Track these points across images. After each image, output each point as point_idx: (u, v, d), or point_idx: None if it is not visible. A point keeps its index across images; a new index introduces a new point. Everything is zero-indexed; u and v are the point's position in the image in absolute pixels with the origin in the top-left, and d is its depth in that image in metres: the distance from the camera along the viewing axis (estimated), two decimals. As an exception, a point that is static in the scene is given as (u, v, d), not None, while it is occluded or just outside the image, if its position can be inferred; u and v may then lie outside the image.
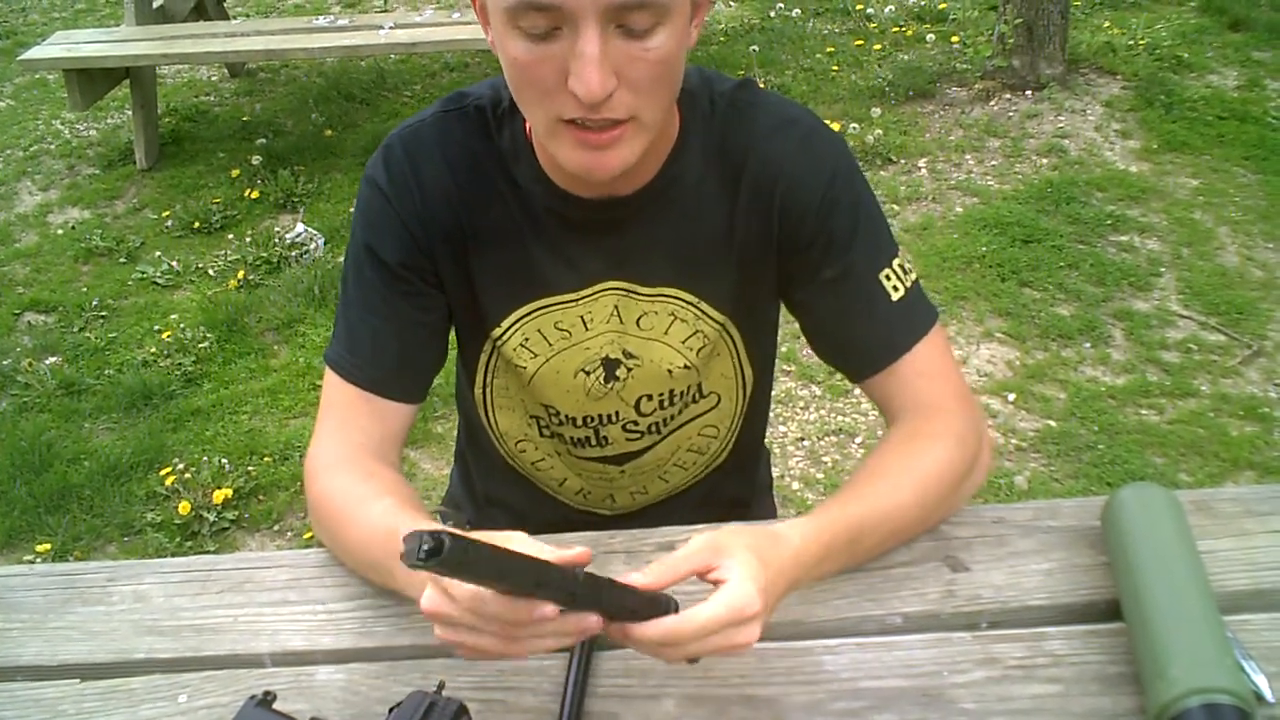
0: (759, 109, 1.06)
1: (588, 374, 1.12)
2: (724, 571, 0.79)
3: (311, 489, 1.05)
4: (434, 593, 0.75)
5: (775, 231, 1.06)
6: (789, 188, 1.04)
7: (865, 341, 1.07)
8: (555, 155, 0.94)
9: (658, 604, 0.80)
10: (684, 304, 1.09)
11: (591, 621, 0.75)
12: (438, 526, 0.66)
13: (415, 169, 1.05)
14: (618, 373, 1.12)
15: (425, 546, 0.62)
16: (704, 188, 1.05)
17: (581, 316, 1.09)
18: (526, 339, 1.10)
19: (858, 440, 2.76)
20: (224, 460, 2.80)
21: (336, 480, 1.02)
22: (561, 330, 1.10)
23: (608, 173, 0.92)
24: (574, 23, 0.83)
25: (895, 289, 1.05)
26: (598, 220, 1.05)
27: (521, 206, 1.06)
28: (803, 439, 2.77)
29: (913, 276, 1.08)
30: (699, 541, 0.82)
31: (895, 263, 1.06)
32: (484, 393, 1.20)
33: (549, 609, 0.72)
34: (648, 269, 1.07)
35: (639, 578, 0.79)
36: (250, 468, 2.79)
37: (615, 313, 1.09)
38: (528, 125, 1.03)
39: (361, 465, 1.03)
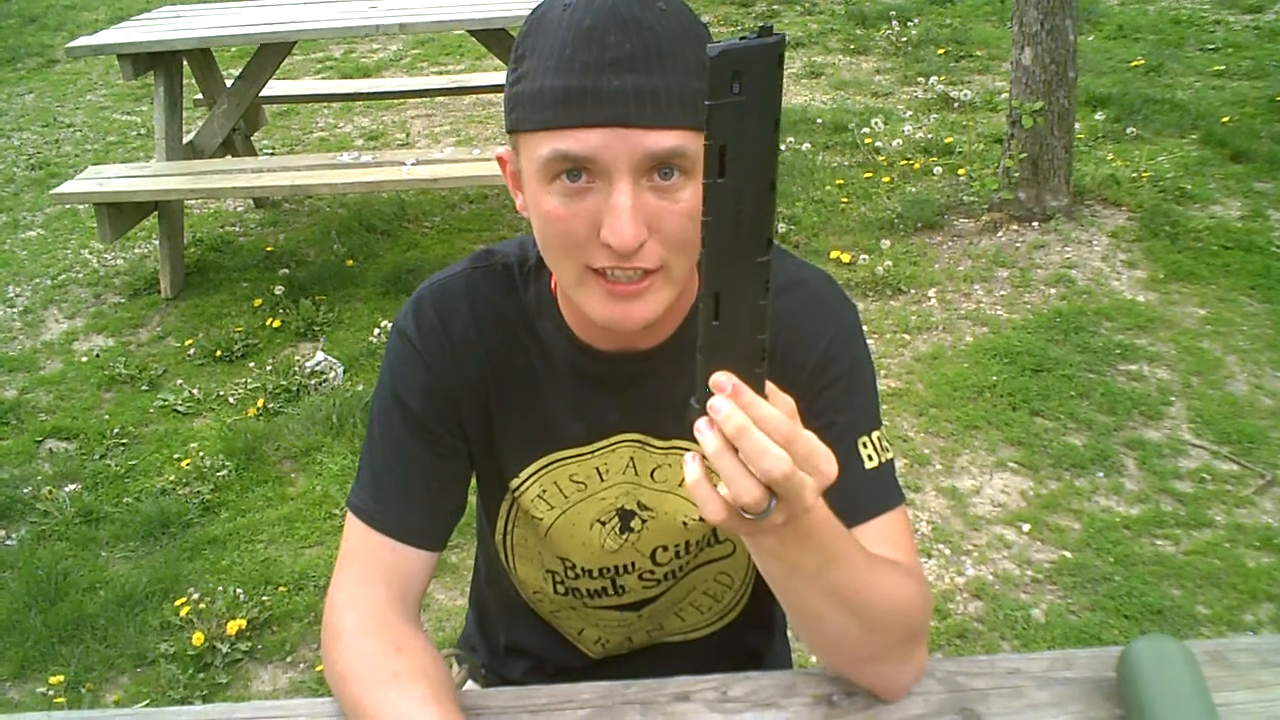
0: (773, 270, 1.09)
1: (603, 524, 1.14)
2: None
3: (332, 650, 1.04)
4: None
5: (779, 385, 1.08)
6: (789, 346, 1.06)
7: (833, 500, 1.07)
8: (583, 306, 0.96)
9: None
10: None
11: None
12: None
13: (444, 322, 1.09)
14: (633, 524, 1.14)
15: None
16: None
17: (597, 468, 1.12)
18: (544, 491, 1.13)
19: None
20: (239, 590, 2.80)
21: (363, 646, 1.02)
22: (577, 482, 1.12)
23: (635, 324, 0.95)
24: (608, 176, 0.88)
25: (870, 458, 1.06)
26: (617, 374, 1.08)
27: (543, 360, 1.09)
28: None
29: (889, 455, 1.08)
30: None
31: (875, 435, 1.07)
32: (505, 539, 1.22)
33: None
34: (663, 422, 1.10)
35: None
36: (265, 598, 2.79)
37: (631, 464, 1.11)
38: (553, 281, 1.07)
39: (390, 633, 1.03)
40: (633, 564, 1.18)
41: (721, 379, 0.73)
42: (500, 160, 1.00)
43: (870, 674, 1.02)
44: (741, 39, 0.65)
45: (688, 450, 1.10)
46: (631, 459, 1.11)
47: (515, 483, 1.14)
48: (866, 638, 0.98)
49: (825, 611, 0.94)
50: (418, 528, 1.10)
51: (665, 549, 1.17)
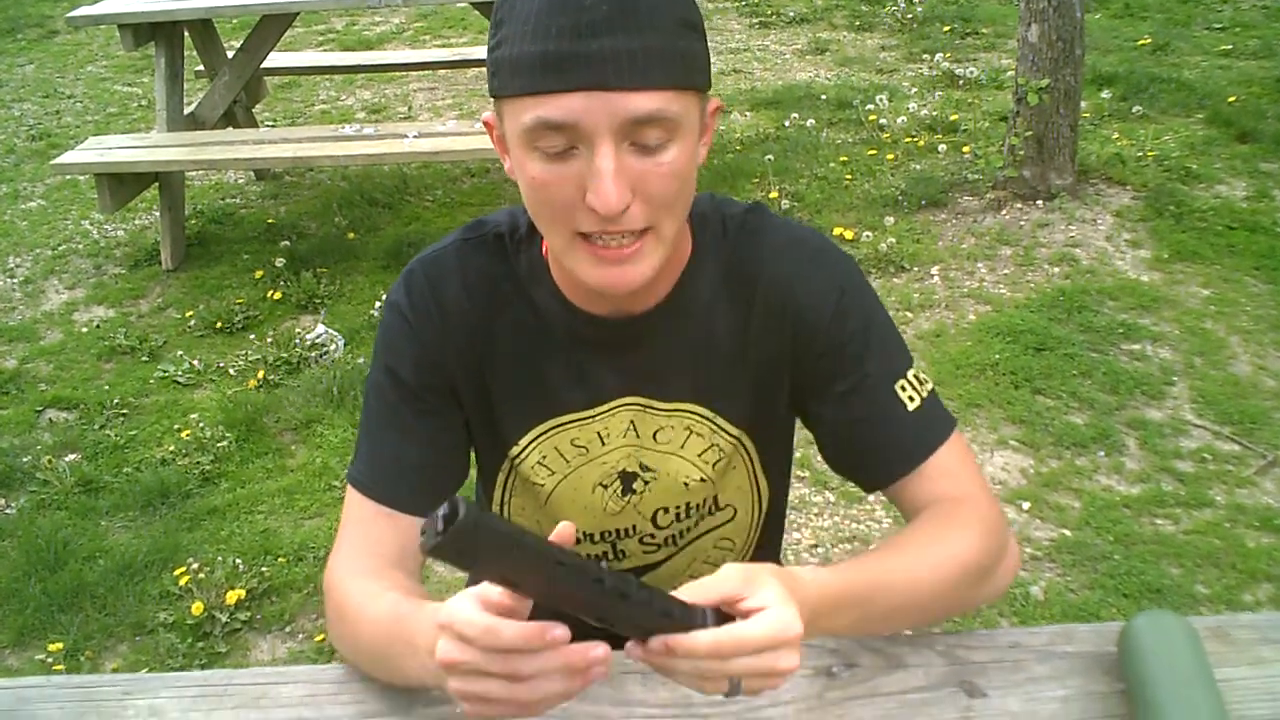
0: (768, 231, 1.10)
1: (605, 488, 1.14)
2: (759, 600, 0.79)
3: (330, 599, 1.06)
4: (447, 640, 0.75)
5: (789, 348, 1.09)
6: (800, 306, 1.07)
7: (882, 452, 1.09)
8: (574, 271, 0.97)
9: (692, 614, 0.77)
10: (700, 418, 1.11)
11: (600, 653, 0.73)
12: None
13: (436, 294, 1.09)
14: (635, 486, 1.14)
15: (442, 513, 0.63)
16: (717, 306, 1.09)
17: (598, 432, 1.11)
18: (544, 457, 1.13)
19: (872, 548, 2.75)
20: (238, 560, 2.80)
21: (352, 585, 1.04)
22: (579, 447, 1.12)
23: (627, 287, 0.95)
24: (590, 141, 0.87)
25: (911, 399, 1.08)
26: (613, 338, 1.08)
27: (538, 326, 1.09)
28: (816, 545, 2.76)
29: (929, 387, 1.10)
30: (730, 569, 0.81)
31: (910, 374, 1.09)
32: (503, 510, 1.22)
33: (560, 630, 0.71)
34: (664, 385, 1.10)
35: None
36: (264, 568, 2.79)
37: (632, 427, 1.11)
38: (545, 247, 1.07)
39: (376, 570, 1.05)
40: (634, 527, 1.18)
41: (655, 645, 0.76)
42: (487, 124, 1.00)
43: (966, 607, 1.07)
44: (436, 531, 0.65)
45: (691, 412, 1.10)
46: (632, 422, 1.11)
47: (515, 451, 1.13)
48: (942, 606, 1.04)
49: (889, 624, 1.01)
50: (415, 497, 1.10)
51: (666, 511, 1.17)
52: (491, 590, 0.74)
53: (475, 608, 0.74)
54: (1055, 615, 2.48)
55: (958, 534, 1.03)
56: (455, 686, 0.76)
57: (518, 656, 0.73)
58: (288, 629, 2.64)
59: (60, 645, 2.60)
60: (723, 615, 0.79)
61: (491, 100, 0.96)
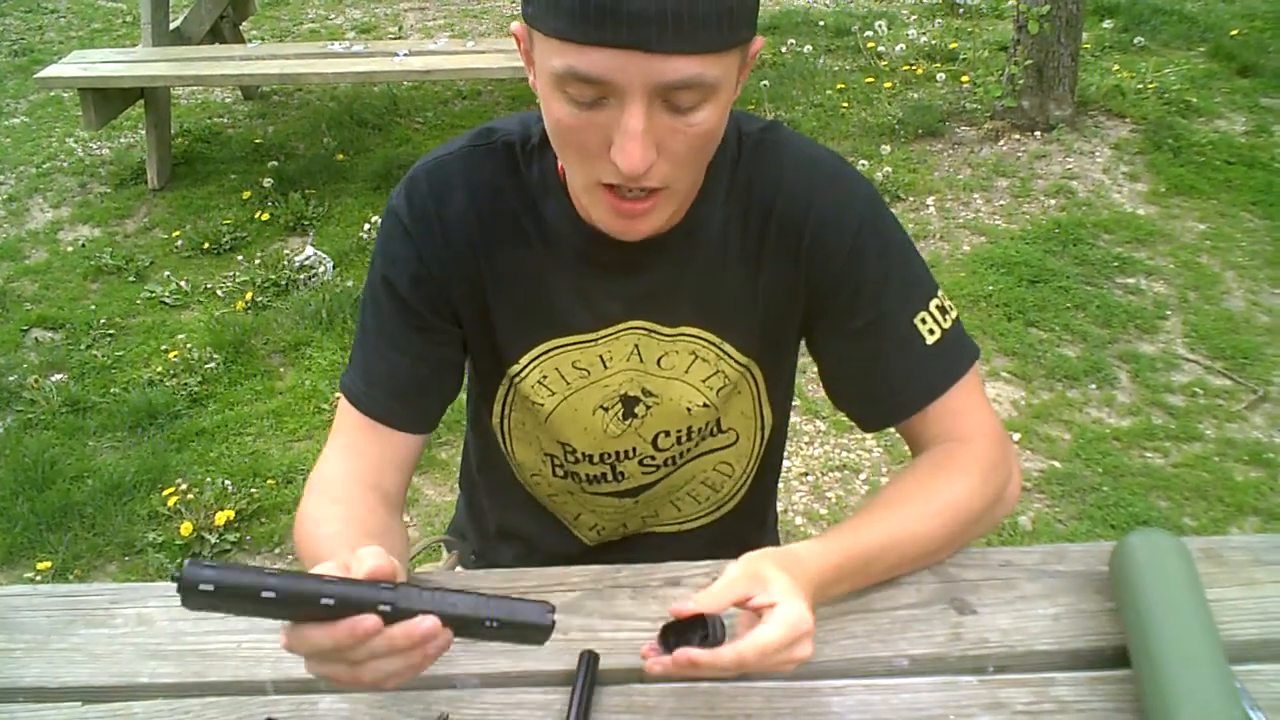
0: (785, 149, 1.05)
1: (606, 410, 1.12)
2: (770, 595, 0.82)
3: (299, 505, 1.05)
4: (283, 632, 0.76)
5: (803, 273, 1.05)
6: (817, 229, 1.03)
7: (891, 392, 1.06)
8: (590, 210, 0.95)
9: (522, 607, 0.77)
10: (706, 344, 1.08)
11: (425, 628, 0.74)
12: (212, 563, 0.69)
13: (438, 203, 1.04)
14: (636, 410, 1.12)
15: (172, 575, 0.66)
16: (730, 229, 1.05)
17: (601, 355, 1.09)
18: (545, 377, 1.10)
19: (862, 476, 2.75)
20: (227, 482, 2.80)
21: (311, 500, 1.03)
22: (580, 369, 1.10)
23: (638, 236, 0.95)
24: (621, 97, 0.83)
25: (931, 332, 1.04)
26: (624, 261, 1.04)
27: (545, 244, 1.05)
28: (807, 474, 2.77)
29: (952, 315, 1.06)
30: (736, 570, 0.85)
31: (933, 304, 1.05)
32: (502, 423, 1.20)
33: (370, 622, 0.73)
34: (670, 310, 1.07)
35: (692, 606, 0.82)
36: (253, 490, 2.79)
37: (635, 351, 1.09)
38: (560, 163, 1.02)
39: (339, 489, 1.03)
40: (634, 449, 1.16)
41: (680, 658, 0.80)
42: (515, 35, 0.93)
43: (966, 545, 1.06)
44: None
45: (697, 337, 1.07)
46: (636, 346, 1.08)
47: (514, 369, 1.11)
48: (941, 553, 1.03)
49: (890, 577, 1.02)
50: (406, 411, 1.08)
51: (668, 434, 1.15)
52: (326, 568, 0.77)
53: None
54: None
55: (956, 481, 1.01)
56: (308, 668, 0.78)
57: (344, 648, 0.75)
58: (277, 550, 2.65)
59: (49, 564, 2.60)
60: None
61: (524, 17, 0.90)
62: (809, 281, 1.05)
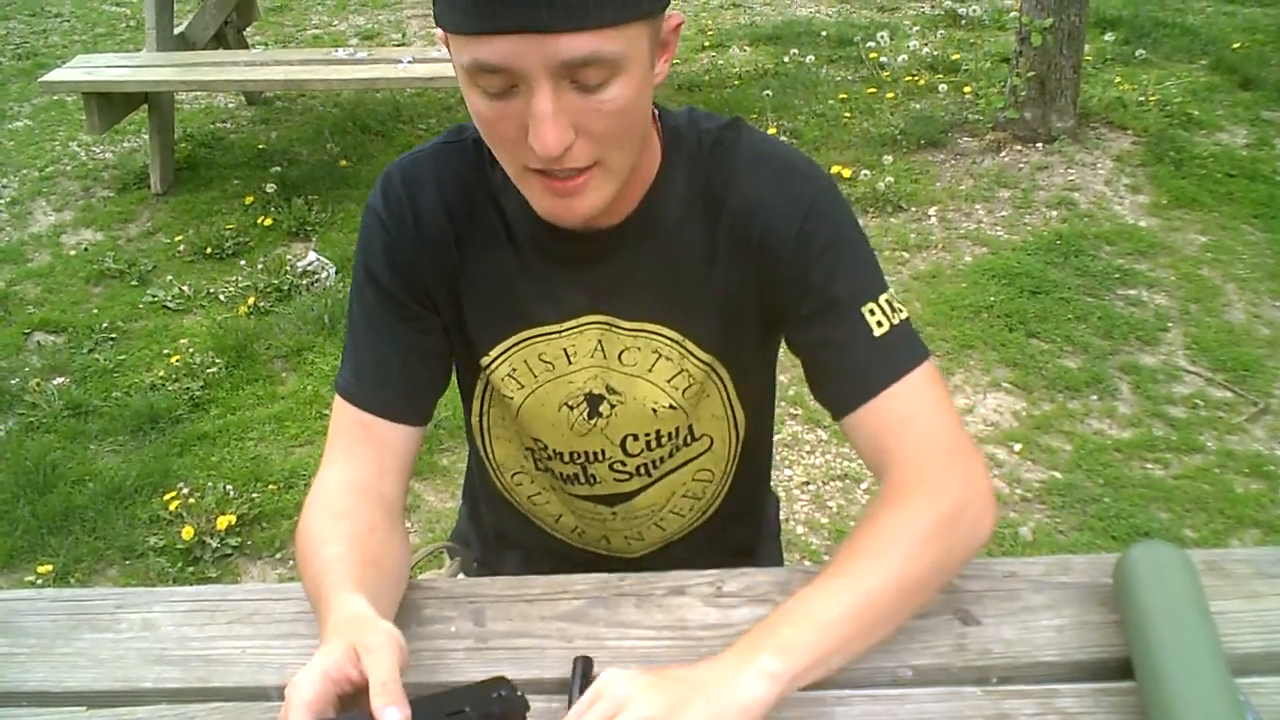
0: (740, 146, 1.06)
1: (571, 408, 1.13)
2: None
3: (299, 521, 1.05)
4: (285, 705, 0.78)
5: (754, 273, 1.06)
6: (765, 223, 1.03)
7: (843, 376, 1.04)
8: (528, 198, 0.97)
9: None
10: (669, 342, 1.09)
11: None
12: None
13: (412, 198, 1.07)
14: (601, 409, 1.13)
15: None
16: (686, 224, 1.06)
17: (565, 349, 1.10)
18: (514, 369, 1.12)
19: (863, 486, 2.76)
20: (228, 486, 2.80)
21: (311, 516, 1.03)
22: (546, 362, 1.11)
23: (576, 218, 0.95)
24: (527, 82, 0.85)
25: (879, 324, 1.02)
26: (579, 253, 1.06)
27: (509, 237, 1.08)
28: (808, 483, 2.77)
29: (902, 315, 1.04)
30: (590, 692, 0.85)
31: (882, 298, 1.03)
32: (480, 421, 1.21)
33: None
34: (628, 303, 1.08)
35: None
36: (254, 494, 2.79)
37: (599, 347, 1.10)
38: None
39: (340, 502, 1.03)
40: (603, 451, 1.16)
41: None
42: (440, 41, 0.95)
43: (949, 578, 1.01)
44: None
45: (657, 333, 1.08)
46: (600, 341, 1.09)
47: (486, 360, 1.13)
48: (923, 600, 0.97)
49: (874, 644, 0.95)
50: (397, 402, 1.09)
51: (636, 438, 1.15)
52: (334, 663, 0.80)
53: (310, 683, 0.79)
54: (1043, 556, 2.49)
55: (912, 527, 0.95)
56: None
57: None
58: (278, 555, 2.65)
59: (49, 568, 2.60)
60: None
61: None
62: (760, 276, 1.06)
